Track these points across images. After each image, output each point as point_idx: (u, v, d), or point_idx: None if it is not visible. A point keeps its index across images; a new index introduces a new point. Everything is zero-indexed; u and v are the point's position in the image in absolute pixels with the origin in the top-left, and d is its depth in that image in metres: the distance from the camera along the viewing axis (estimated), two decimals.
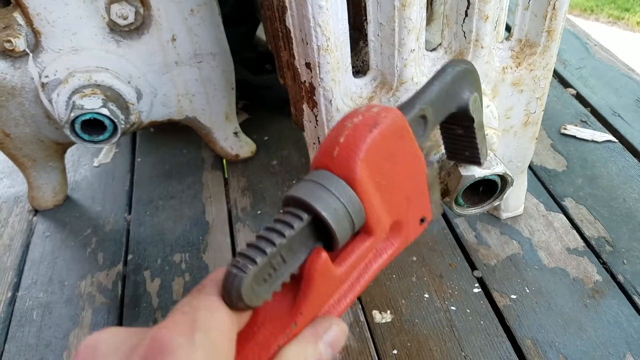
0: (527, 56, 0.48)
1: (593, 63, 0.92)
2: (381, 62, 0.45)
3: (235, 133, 0.80)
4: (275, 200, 0.75)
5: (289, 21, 0.43)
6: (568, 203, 0.68)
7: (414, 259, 0.63)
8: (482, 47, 0.45)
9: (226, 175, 0.82)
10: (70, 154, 0.89)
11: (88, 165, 0.88)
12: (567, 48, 0.96)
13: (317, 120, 0.48)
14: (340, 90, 0.45)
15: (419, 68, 0.45)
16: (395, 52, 0.43)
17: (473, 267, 0.62)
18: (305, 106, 0.48)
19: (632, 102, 0.82)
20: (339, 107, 0.46)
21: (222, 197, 0.78)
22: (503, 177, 0.44)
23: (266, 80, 0.94)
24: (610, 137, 0.76)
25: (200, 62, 0.68)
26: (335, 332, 0.24)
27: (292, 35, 0.42)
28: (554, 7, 0.44)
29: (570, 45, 0.97)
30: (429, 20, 0.54)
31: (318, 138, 0.50)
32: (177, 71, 0.68)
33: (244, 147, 0.82)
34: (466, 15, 0.43)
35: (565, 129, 0.78)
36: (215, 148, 0.80)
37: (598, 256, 0.61)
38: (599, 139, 0.76)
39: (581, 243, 0.63)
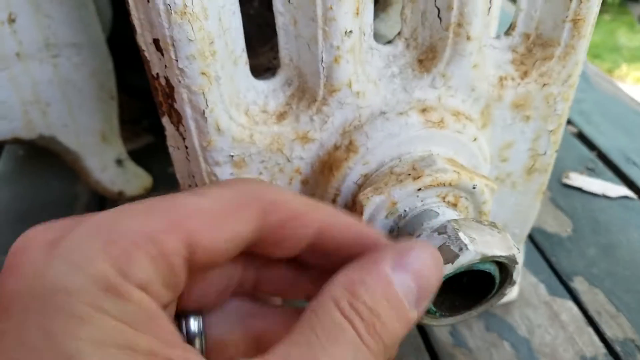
0: (537, 61, 0.32)
1: (595, 96, 0.78)
2: (297, 53, 0.28)
3: (119, 161, 0.60)
4: None
5: None
6: (578, 284, 0.51)
7: None
8: (468, 39, 0.28)
9: None
10: None
11: None
12: None
13: (186, 148, 0.30)
14: (224, 95, 0.27)
15: (361, 67, 0.28)
16: (318, 34, 0.26)
17: None
18: (166, 121, 0.29)
19: None
20: (221, 126, 0.28)
21: None
22: (504, 266, 0.26)
23: None
24: (627, 191, 0.61)
25: (57, 57, 0.49)
26: (421, 256, 0.18)
27: None
28: None
29: None
30: (385, 4, 0.38)
31: (193, 177, 0.31)
32: (19, 68, 0.48)
33: (132, 181, 0.62)
34: None
35: (567, 178, 0.63)
36: (88, 181, 0.60)
37: None
38: (612, 194, 0.61)
39: (601, 349, 0.46)
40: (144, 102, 0.77)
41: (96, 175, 0.59)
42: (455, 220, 0.25)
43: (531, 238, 0.56)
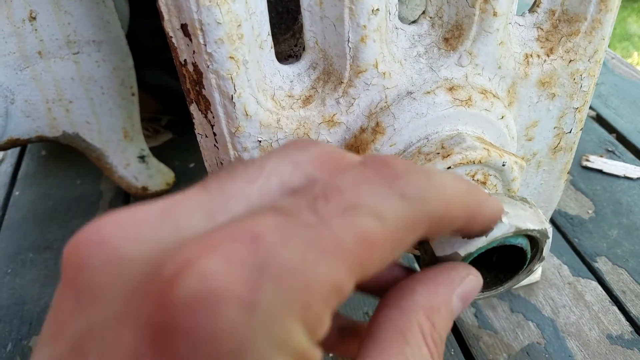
0: (563, 38, 0.31)
1: (613, 79, 0.77)
2: (322, 35, 0.27)
3: (142, 157, 0.61)
4: None
5: None
6: (602, 265, 0.50)
7: None
8: (494, 15, 0.28)
9: None
10: None
11: None
12: None
13: (214, 135, 0.29)
14: (251, 80, 0.27)
15: (387, 48, 0.27)
16: (344, 14, 0.26)
17: None
18: (194, 109, 0.29)
19: None
20: (249, 111, 0.27)
21: None
22: (535, 239, 0.25)
23: None
24: None
25: (78, 54, 0.49)
26: (471, 284, 0.20)
27: None
28: None
29: None
30: None
31: (221, 164, 0.31)
32: (41, 66, 0.49)
33: (155, 176, 0.62)
34: None
35: (587, 160, 0.62)
36: (113, 178, 0.60)
37: None
38: (634, 175, 0.59)
39: (627, 327, 0.45)
40: (161, 101, 0.78)
41: (120, 171, 0.60)
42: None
43: (553, 221, 0.55)
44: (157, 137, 0.73)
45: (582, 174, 0.61)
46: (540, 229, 0.25)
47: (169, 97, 0.73)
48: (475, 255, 0.24)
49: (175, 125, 0.76)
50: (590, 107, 0.72)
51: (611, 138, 0.66)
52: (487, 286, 0.27)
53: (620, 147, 0.64)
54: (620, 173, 0.60)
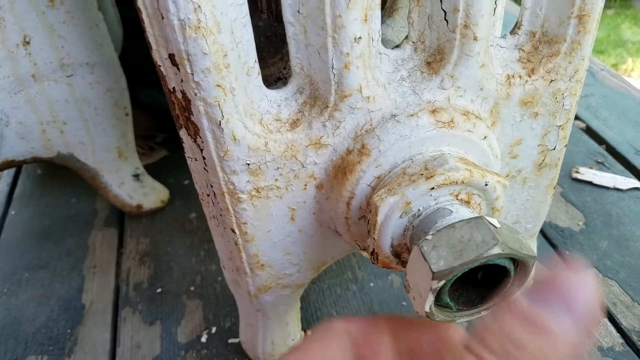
0: (544, 59, 0.32)
1: (602, 90, 0.78)
2: (308, 62, 0.28)
3: (136, 176, 0.61)
4: (185, 271, 0.56)
5: None
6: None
7: None
8: (475, 39, 0.28)
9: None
10: None
11: None
12: None
13: (204, 158, 0.30)
14: (239, 106, 0.27)
15: (370, 73, 0.28)
16: (328, 42, 0.26)
17: None
18: (184, 134, 0.30)
19: None
20: (237, 135, 0.28)
21: (111, 267, 0.58)
22: (519, 260, 0.26)
23: None
24: (637, 182, 0.60)
25: (71, 77, 0.50)
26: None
27: (140, 3, 0.24)
28: None
29: None
30: (391, 9, 0.38)
31: (211, 186, 0.32)
32: (36, 89, 0.49)
33: (149, 194, 0.63)
34: None
35: (577, 172, 0.63)
36: (108, 197, 0.61)
37: None
38: (623, 186, 0.60)
39: (618, 339, 0.45)
40: (155, 119, 0.78)
41: (114, 190, 0.60)
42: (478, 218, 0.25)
43: (544, 233, 0.56)
44: (151, 155, 0.74)
45: (573, 186, 0.61)
46: (524, 255, 0.25)
47: (163, 115, 0.74)
48: (459, 274, 0.25)
49: (170, 142, 0.77)
50: (580, 119, 0.73)
51: (601, 149, 0.67)
52: (472, 304, 0.28)
53: (610, 158, 0.65)
54: (610, 184, 0.60)
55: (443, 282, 0.24)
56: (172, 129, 0.79)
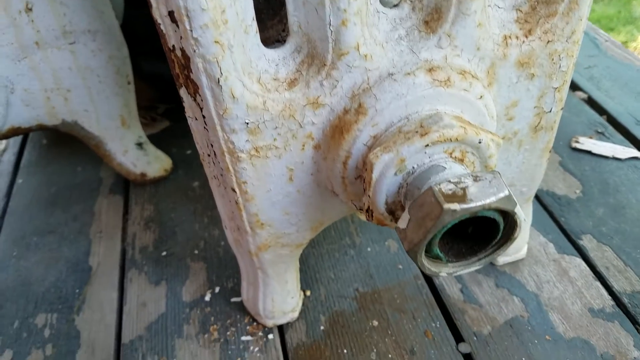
0: (541, 19, 0.32)
1: (605, 61, 0.77)
2: (305, 19, 0.28)
3: (140, 144, 0.62)
4: (189, 236, 0.57)
5: None
6: (587, 242, 0.51)
7: (375, 323, 0.46)
8: None
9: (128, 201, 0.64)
10: None
11: None
12: None
13: (204, 117, 0.30)
14: (237, 64, 0.28)
15: (368, 31, 0.28)
16: None
17: (458, 338, 0.44)
18: (184, 92, 0.30)
19: None
20: (236, 94, 0.28)
21: (117, 232, 0.59)
22: (508, 213, 0.27)
23: None
24: (636, 152, 0.61)
25: (74, 44, 0.50)
26: None
27: None
28: None
29: None
30: None
31: (211, 145, 0.32)
32: (39, 56, 0.50)
33: (152, 163, 0.64)
34: None
35: (577, 142, 0.63)
36: (112, 165, 0.62)
37: (634, 320, 0.44)
38: (622, 155, 0.60)
39: (609, 301, 0.46)
40: (158, 90, 0.78)
41: (118, 158, 0.61)
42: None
43: (540, 201, 0.56)
44: (154, 125, 0.74)
45: (572, 155, 0.62)
46: (511, 208, 0.26)
47: (165, 85, 0.74)
48: (449, 226, 0.25)
49: (172, 113, 0.77)
50: (582, 90, 0.72)
51: (601, 120, 0.67)
52: (463, 256, 0.29)
53: (610, 128, 0.65)
54: (609, 154, 0.61)
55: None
56: (174, 100, 0.80)
